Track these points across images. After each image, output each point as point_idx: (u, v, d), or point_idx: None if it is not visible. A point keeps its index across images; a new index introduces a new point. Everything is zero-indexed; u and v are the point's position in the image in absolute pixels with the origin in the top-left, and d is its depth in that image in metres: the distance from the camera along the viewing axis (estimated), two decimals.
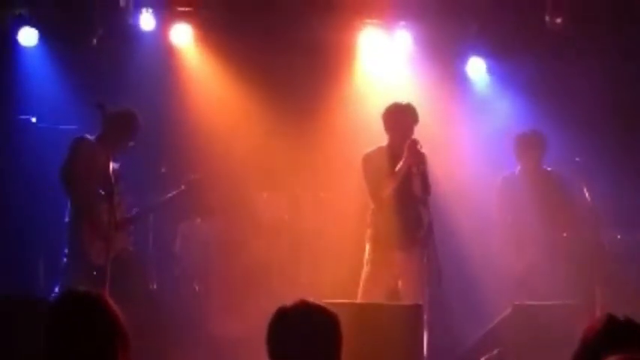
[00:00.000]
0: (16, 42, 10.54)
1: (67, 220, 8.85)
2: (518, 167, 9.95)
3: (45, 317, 4.15)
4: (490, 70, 11.36)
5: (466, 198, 10.43)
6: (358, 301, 8.47)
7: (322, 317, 4.07)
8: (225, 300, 10.24)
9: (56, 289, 8.85)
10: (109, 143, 8.61)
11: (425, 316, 7.77)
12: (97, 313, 4.14)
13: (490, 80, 11.45)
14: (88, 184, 8.57)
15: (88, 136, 8.81)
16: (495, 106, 11.36)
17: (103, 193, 8.27)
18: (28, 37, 10.50)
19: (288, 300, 4.12)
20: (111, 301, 4.21)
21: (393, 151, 8.71)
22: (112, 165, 8.23)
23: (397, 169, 8.59)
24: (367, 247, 8.85)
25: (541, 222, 9.65)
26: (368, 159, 8.83)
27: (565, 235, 9.82)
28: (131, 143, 9.02)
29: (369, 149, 8.90)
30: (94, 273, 8.25)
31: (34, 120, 10.58)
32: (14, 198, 10.35)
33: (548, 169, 9.95)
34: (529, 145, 9.86)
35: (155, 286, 9.87)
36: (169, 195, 9.40)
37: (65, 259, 8.82)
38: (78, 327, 4.09)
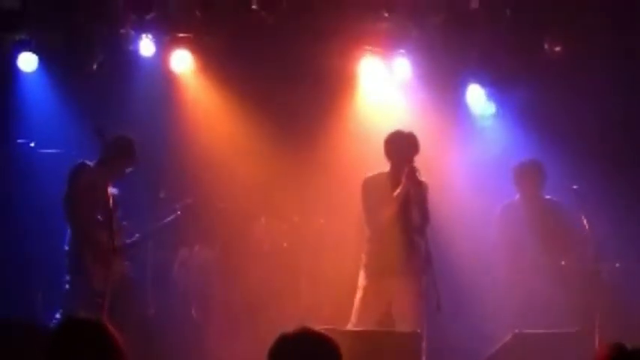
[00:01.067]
0: (16, 67, 10.54)
1: (67, 246, 8.87)
2: (517, 196, 9.98)
3: (45, 344, 4.15)
4: (489, 97, 11.37)
5: (465, 225, 10.42)
6: (350, 326, 8.45)
7: (323, 344, 4.05)
8: (222, 326, 10.21)
9: (57, 316, 8.85)
10: (108, 169, 8.71)
11: (424, 344, 7.77)
12: (98, 339, 4.15)
13: (489, 108, 11.45)
14: (88, 211, 8.57)
15: (88, 162, 8.83)
16: (494, 134, 11.38)
17: (101, 219, 8.29)
18: (28, 62, 10.50)
19: (287, 327, 4.11)
20: (111, 327, 4.22)
21: (394, 178, 8.70)
22: (111, 191, 8.30)
23: (395, 194, 8.59)
24: (361, 273, 8.85)
25: (540, 250, 9.68)
26: (367, 183, 8.82)
27: (563, 263, 9.82)
28: (129, 169, 9.07)
29: (370, 173, 8.90)
30: (97, 299, 8.26)
31: (32, 145, 10.57)
32: (12, 222, 10.32)
33: (547, 197, 9.98)
34: (528, 174, 9.90)
35: (153, 312, 9.84)
36: (166, 220, 9.49)
37: (67, 286, 8.84)
38: (79, 353, 4.10)
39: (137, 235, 9.21)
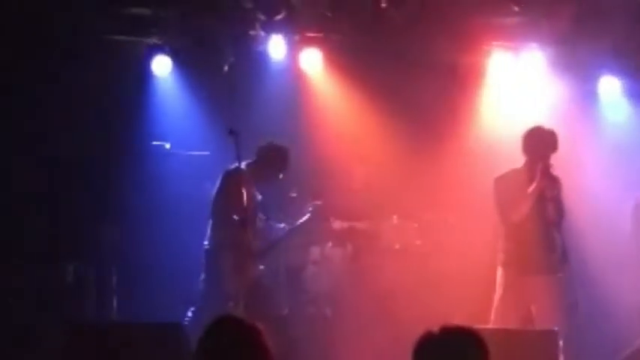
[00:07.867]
0: (149, 71, 10.75)
1: (206, 247, 9.02)
2: None
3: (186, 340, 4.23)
4: (624, 89, 11.13)
5: (599, 220, 10.24)
6: (491, 326, 8.37)
7: (471, 341, 4.00)
8: (355, 325, 10.21)
9: (189, 314, 9.00)
10: (258, 173, 9.08)
11: (561, 343, 7.65)
12: (251, 341, 4.22)
13: (624, 100, 11.21)
14: (232, 217, 8.71)
15: (241, 166, 8.91)
16: (628, 126, 11.14)
17: (238, 220, 8.42)
18: (161, 65, 10.71)
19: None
20: (264, 330, 4.28)
21: (529, 174, 8.61)
22: (256, 197, 8.55)
23: (529, 191, 8.51)
24: (499, 271, 8.79)
25: None
26: (500, 182, 8.78)
27: None
28: (280, 176, 9.24)
29: (501, 172, 8.83)
30: (230, 303, 8.40)
31: (167, 146, 10.78)
32: (148, 223, 10.50)
33: None
34: None
35: (287, 312, 9.91)
36: (298, 223, 9.60)
37: (202, 285, 8.99)
38: (231, 354, 4.17)
39: (269, 239, 9.37)
